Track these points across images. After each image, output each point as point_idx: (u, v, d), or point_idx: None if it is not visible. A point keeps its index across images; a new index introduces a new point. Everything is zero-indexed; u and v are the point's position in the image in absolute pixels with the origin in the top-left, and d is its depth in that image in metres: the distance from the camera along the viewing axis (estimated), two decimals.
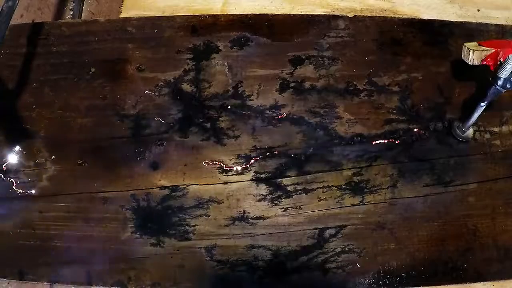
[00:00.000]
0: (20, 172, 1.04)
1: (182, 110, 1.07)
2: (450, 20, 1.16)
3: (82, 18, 1.42)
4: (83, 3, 1.45)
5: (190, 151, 1.04)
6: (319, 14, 1.16)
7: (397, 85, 1.09)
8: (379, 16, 1.17)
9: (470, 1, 1.24)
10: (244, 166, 1.04)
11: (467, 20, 1.18)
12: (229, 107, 1.07)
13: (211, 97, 1.08)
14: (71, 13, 1.44)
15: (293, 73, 1.10)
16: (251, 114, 1.07)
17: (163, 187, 1.02)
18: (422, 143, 1.05)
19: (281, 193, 1.02)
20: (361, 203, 1.02)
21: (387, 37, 1.12)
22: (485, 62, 0.91)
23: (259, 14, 1.15)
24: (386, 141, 1.05)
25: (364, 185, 1.03)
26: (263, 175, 1.03)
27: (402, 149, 1.05)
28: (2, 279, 1.04)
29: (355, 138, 1.05)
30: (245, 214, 1.01)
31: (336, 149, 1.05)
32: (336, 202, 1.02)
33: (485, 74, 0.90)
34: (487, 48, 0.90)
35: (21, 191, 1.03)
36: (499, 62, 0.88)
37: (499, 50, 0.89)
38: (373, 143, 1.05)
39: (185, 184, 1.02)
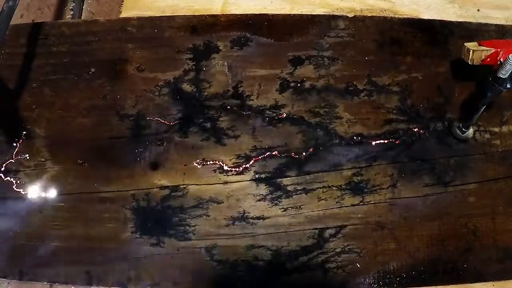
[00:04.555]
0: (20, 172, 1.04)
1: (182, 110, 1.07)
2: (450, 20, 1.16)
3: (82, 18, 1.42)
4: (83, 3, 1.45)
5: (190, 151, 1.04)
6: (319, 14, 1.16)
7: (397, 85, 1.09)
8: (379, 16, 1.17)
9: (470, 1, 1.24)
10: (244, 166, 1.04)
11: (467, 20, 1.18)
12: (229, 107, 1.07)
13: (211, 97, 1.08)
14: (71, 13, 1.44)
15: (293, 73, 1.10)
16: (251, 114, 1.07)
17: (163, 187, 1.02)
18: (422, 143, 1.05)
19: (281, 193, 1.02)
20: (361, 203, 1.02)
21: (387, 37, 1.13)
22: (485, 62, 0.91)
23: (259, 14, 1.15)
24: (386, 141, 1.06)
25: (364, 185, 1.03)
26: (263, 175, 1.03)
27: (402, 149, 1.05)
28: (2, 279, 1.04)
29: (355, 138, 1.05)
30: (245, 214, 1.01)
31: (336, 149, 1.05)
32: (336, 202, 1.02)
33: (485, 74, 0.90)
34: (487, 48, 0.90)
35: (21, 191, 1.03)
36: (499, 62, 0.88)
37: (499, 50, 0.89)
38: (373, 143, 1.05)
39: (185, 184, 1.02)
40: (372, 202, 1.02)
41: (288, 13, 1.18)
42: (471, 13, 1.23)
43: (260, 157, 1.04)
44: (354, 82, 1.09)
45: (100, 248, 0.99)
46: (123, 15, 1.22)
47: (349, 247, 1.00)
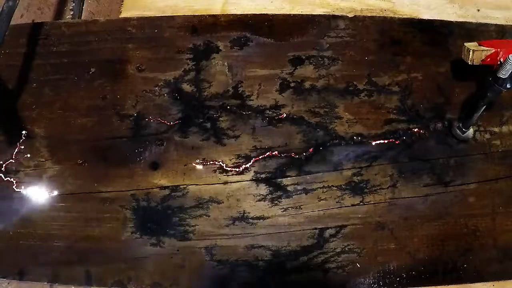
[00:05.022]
0: (20, 172, 1.04)
1: (182, 110, 1.07)
2: (450, 20, 1.16)
3: (82, 18, 1.43)
4: (83, 3, 1.45)
5: (190, 151, 1.04)
6: (319, 14, 1.16)
7: (397, 85, 1.09)
8: (379, 16, 1.17)
9: (470, 1, 1.24)
10: (244, 166, 1.04)
11: (467, 20, 1.18)
12: (229, 107, 1.07)
13: (211, 97, 1.08)
14: (71, 13, 1.44)
15: (293, 73, 1.10)
16: (251, 114, 1.07)
17: (163, 187, 1.02)
18: (422, 143, 1.05)
19: (281, 193, 1.02)
20: (361, 203, 1.02)
21: (387, 37, 1.13)
22: (485, 62, 0.91)
23: (259, 14, 1.15)
24: (386, 141, 1.06)
25: (364, 185, 1.03)
26: (263, 175, 1.03)
27: (402, 149, 1.05)
28: (2, 279, 1.04)
29: (355, 138, 1.05)
30: (245, 214, 1.01)
31: (336, 149, 1.05)
32: (336, 202, 1.02)
33: (485, 74, 0.90)
34: (487, 48, 0.90)
35: (21, 191, 1.03)
36: (499, 62, 0.88)
37: (499, 50, 0.89)
38: (373, 143, 1.05)
39: (185, 184, 1.02)
40: (372, 202, 1.02)
41: (288, 13, 1.18)
42: (471, 13, 1.23)
43: (260, 157, 1.04)
44: (354, 82, 1.09)
45: (100, 248, 0.99)
46: (123, 15, 1.22)
47: (349, 247, 1.00)
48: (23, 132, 1.06)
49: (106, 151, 1.05)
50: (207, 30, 1.13)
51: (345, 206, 1.02)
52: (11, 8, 0.94)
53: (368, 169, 1.04)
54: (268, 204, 1.02)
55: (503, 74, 0.85)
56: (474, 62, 0.92)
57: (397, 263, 0.99)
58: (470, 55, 0.91)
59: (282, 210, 1.01)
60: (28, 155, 1.05)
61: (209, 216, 1.01)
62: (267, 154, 1.04)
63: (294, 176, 1.03)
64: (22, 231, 1.01)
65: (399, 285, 0.98)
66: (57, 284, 1.01)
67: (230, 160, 1.04)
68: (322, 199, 1.02)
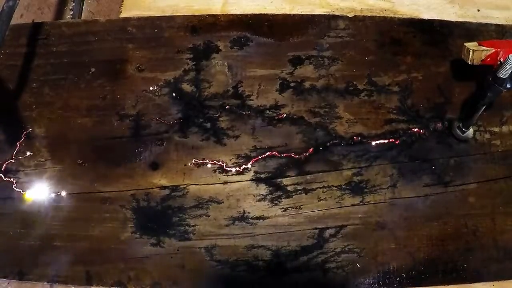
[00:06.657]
0: (20, 172, 1.04)
1: (182, 110, 1.07)
2: (450, 20, 1.16)
3: (82, 18, 1.43)
4: (83, 3, 1.46)
5: (190, 151, 1.04)
6: (319, 14, 1.16)
7: (397, 85, 1.09)
8: (379, 16, 1.17)
9: (470, 1, 1.24)
10: (244, 166, 1.04)
11: (467, 20, 1.18)
12: (229, 107, 1.07)
13: (211, 97, 1.08)
14: (71, 13, 1.44)
15: (293, 73, 1.10)
16: (251, 114, 1.07)
17: (163, 187, 1.02)
18: (422, 143, 1.05)
19: (281, 193, 1.02)
20: (361, 203, 1.02)
21: (387, 37, 1.13)
22: (485, 62, 0.91)
23: (259, 14, 1.15)
24: (386, 141, 1.05)
25: (364, 185, 1.03)
26: (263, 175, 1.03)
27: (402, 149, 1.05)
28: (2, 279, 1.04)
29: (355, 138, 1.05)
30: (245, 214, 1.01)
31: (336, 149, 1.05)
32: (336, 202, 1.02)
33: (485, 74, 0.90)
34: (487, 48, 0.90)
35: (21, 191, 1.03)
36: (499, 62, 0.88)
37: (499, 50, 0.89)
38: (373, 143, 1.05)
39: (185, 184, 1.02)
40: (372, 202, 1.02)
41: (288, 13, 1.18)
42: (471, 13, 1.23)
43: (260, 157, 1.04)
44: (354, 82, 1.09)
45: (100, 248, 0.99)
46: (123, 15, 1.22)
47: (349, 247, 1.00)
48: (23, 132, 1.06)
49: (106, 151, 1.05)
50: (207, 30, 1.13)
51: (345, 206, 1.02)
52: (11, 8, 0.94)
53: (368, 169, 1.04)
54: (268, 204, 1.02)
55: (503, 74, 0.85)
56: (474, 62, 0.92)
57: (397, 263, 0.99)
58: (470, 55, 0.91)
59: (282, 210, 1.01)
60: (28, 155, 1.05)
61: (209, 216, 1.01)
62: (267, 154, 1.04)
63: (294, 176, 1.03)
64: (22, 231, 1.01)
65: (399, 285, 0.98)
66: (57, 284, 1.01)
67: (230, 160, 1.04)
68: (322, 199, 1.02)
